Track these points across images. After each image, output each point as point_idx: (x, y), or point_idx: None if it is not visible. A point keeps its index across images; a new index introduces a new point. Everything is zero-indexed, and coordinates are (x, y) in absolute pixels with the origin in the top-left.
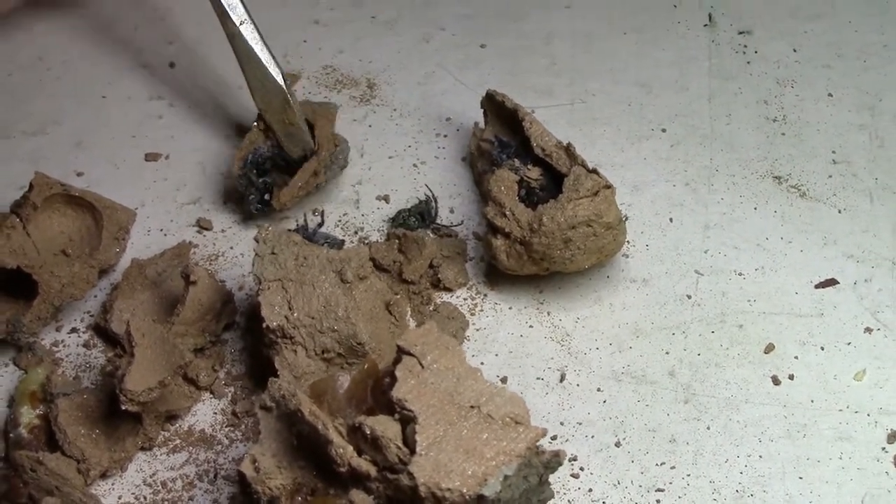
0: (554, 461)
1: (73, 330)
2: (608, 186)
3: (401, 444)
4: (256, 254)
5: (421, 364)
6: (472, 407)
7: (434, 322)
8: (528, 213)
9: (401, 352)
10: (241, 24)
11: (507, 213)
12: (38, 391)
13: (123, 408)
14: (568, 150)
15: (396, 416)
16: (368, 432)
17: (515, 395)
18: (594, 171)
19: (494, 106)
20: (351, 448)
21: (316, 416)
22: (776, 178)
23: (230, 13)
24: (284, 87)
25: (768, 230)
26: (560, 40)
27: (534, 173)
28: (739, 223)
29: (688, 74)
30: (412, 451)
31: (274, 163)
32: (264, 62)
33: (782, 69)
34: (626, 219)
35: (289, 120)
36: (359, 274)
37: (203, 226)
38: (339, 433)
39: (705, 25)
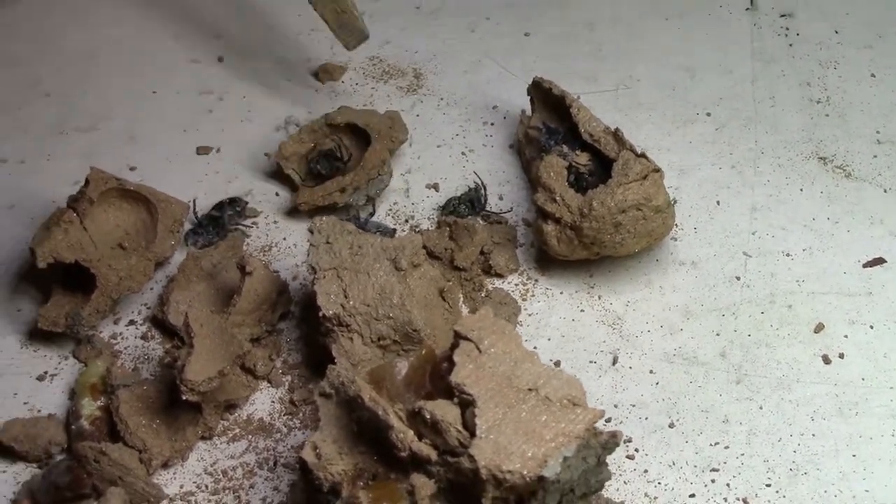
0: (611, 442)
1: (131, 322)
2: (657, 170)
3: (461, 428)
4: (311, 243)
5: (478, 348)
6: (529, 390)
7: (489, 307)
8: (578, 198)
9: (458, 337)
10: None
11: (558, 198)
12: (98, 383)
13: (184, 398)
14: (616, 134)
15: (455, 400)
16: (428, 417)
17: (572, 377)
18: (642, 156)
19: (541, 93)
20: (411, 432)
21: (376, 402)
22: (821, 159)
23: None
24: None
25: (815, 211)
26: (603, 26)
27: (582, 158)
28: (786, 205)
29: (731, 58)
30: (472, 435)
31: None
32: None
33: (824, 51)
34: (675, 202)
35: (340, 7)
36: (412, 261)
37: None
38: (399, 418)
39: (747, 9)
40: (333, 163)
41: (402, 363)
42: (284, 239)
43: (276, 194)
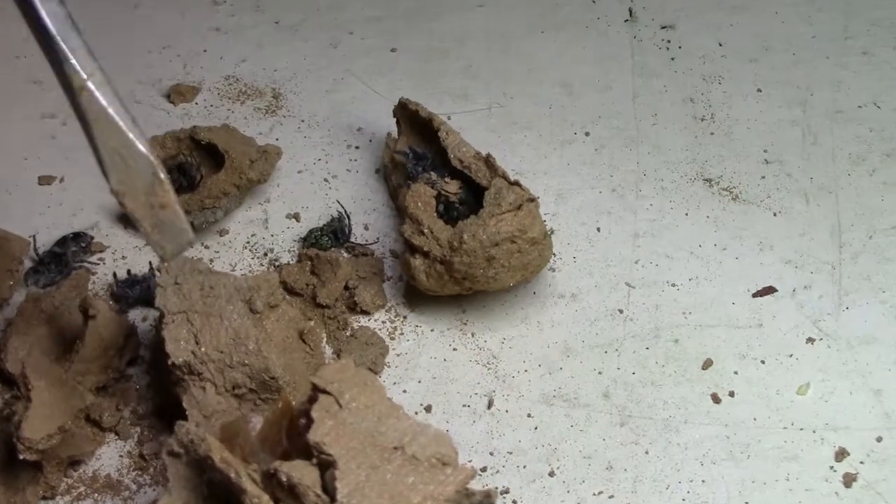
0: (486, 502)
1: None
2: (532, 199)
3: (320, 492)
4: (159, 284)
5: (339, 403)
6: (395, 448)
7: (351, 357)
8: (447, 230)
9: (316, 390)
10: (89, 76)
11: (426, 230)
12: None
13: (21, 457)
14: (488, 161)
15: (314, 460)
16: (285, 479)
17: (441, 432)
18: (516, 184)
19: (408, 114)
20: (267, 497)
21: (228, 463)
22: (707, 180)
23: (74, 62)
24: (153, 158)
25: (701, 237)
26: (475, 41)
27: (452, 187)
28: (670, 230)
29: (610, 73)
30: (332, 499)
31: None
32: (123, 127)
33: (708, 65)
34: (553, 232)
35: (160, 203)
36: (269, 302)
37: (98, 250)
38: (254, 481)
39: (626, 20)
40: (182, 179)
41: (257, 418)
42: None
43: (124, 227)
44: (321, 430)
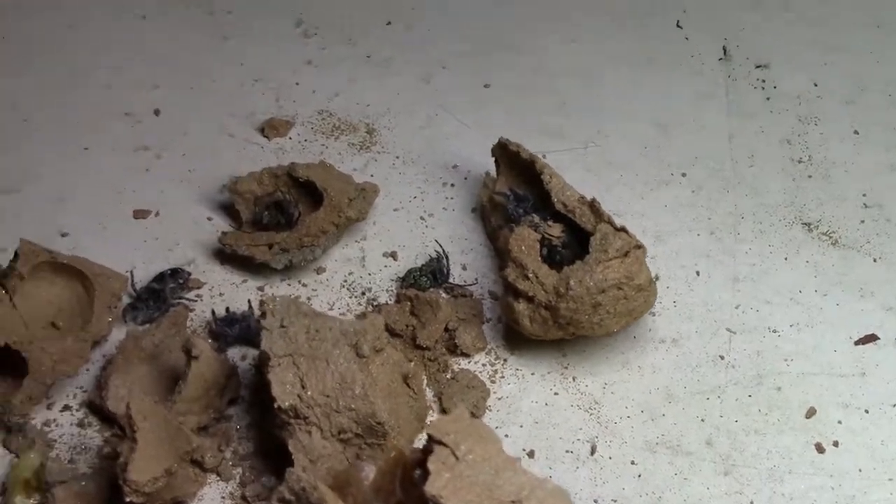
0: None
1: (66, 407)
2: (639, 246)
3: None
4: (265, 327)
5: (455, 455)
6: (513, 502)
7: (464, 406)
8: (552, 275)
9: (432, 441)
10: None
11: (531, 275)
12: (31, 479)
13: (127, 500)
14: (593, 205)
15: None
16: None
17: (559, 487)
18: (622, 230)
19: (508, 155)
20: None
21: None
22: (805, 224)
23: None
24: None
25: (801, 282)
26: (567, 77)
27: (555, 230)
28: (770, 275)
29: (705, 112)
30: None
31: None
32: None
33: (804, 105)
34: (657, 279)
35: None
36: (375, 346)
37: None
38: None
39: (720, 59)
40: (279, 217)
41: (370, 467)
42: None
43: (221, 263)
44: (438, 482)
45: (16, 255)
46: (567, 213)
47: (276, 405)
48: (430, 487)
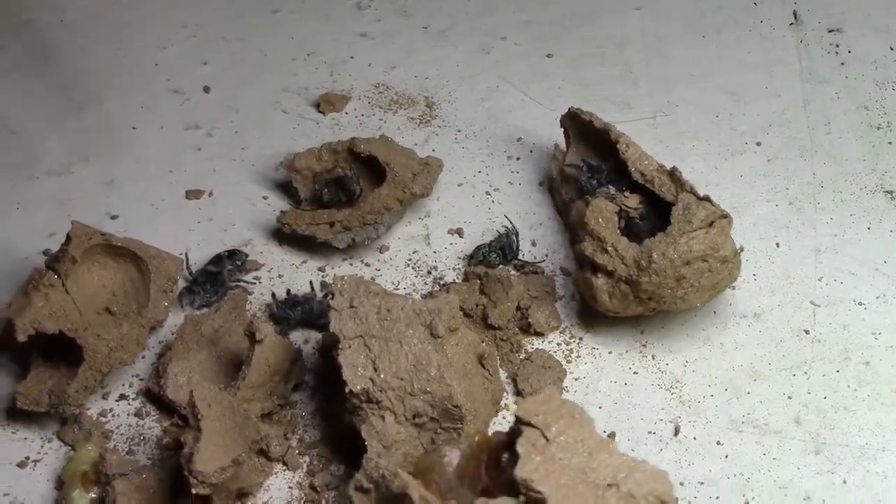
0: None
1: (122, 397)
2: (724, 216)
3: None
4: (333, 308)
5: (545, 437)
6: (609, 485)
7: (554, 387)
8: (633, 248)
9: (520, 423)
10: None
11: (609, 248)
12: (90, 471)
13: (194, 492)
14: (673, 174)
15: (521, 497)
16: None
17: (658, 469)
18: (706, 199)
19: (579, 125)
20: None
21: (427, 501)
22: (888, 192)
23: None
24: None
25: (886, 252)
26: (633, 46)
27: (633, 201)
28: (853, 245)
29: (778, 79)
30: None
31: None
32: None
33: (880, 69)
34: (742, 250)
35: None
36: (450, 326)
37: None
38: None
39: (791, 24)
40: (340, 194)
41: (453, 451)
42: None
43: (279, 243)
44: (529, 465)
45: (67, 237)
46: (645, 182)
47: (347, 389)
48: (521, 471)
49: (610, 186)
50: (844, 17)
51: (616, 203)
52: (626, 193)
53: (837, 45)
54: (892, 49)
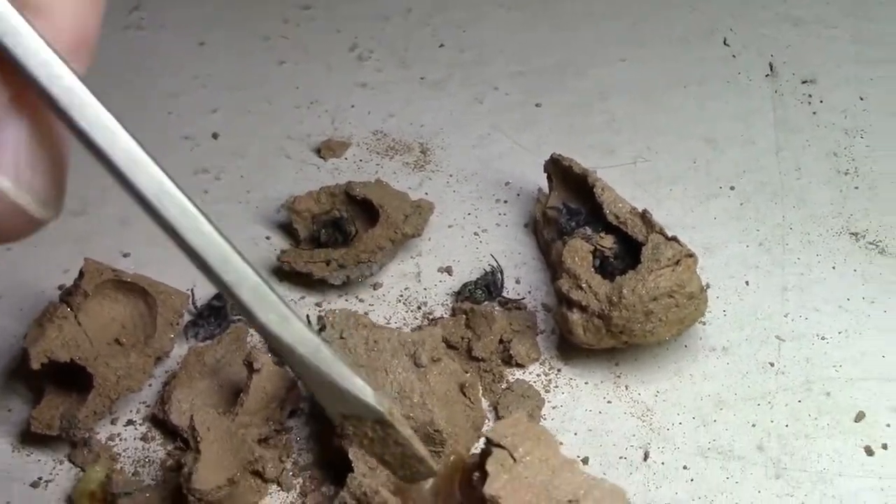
0: None
1: (130, 422)
2: (690, 255)
3: None
4: (324, 339)
5: (513, 457)
6: (570, 502)
7: (523, 411)
8: (605, 285)
9: (490, 444)
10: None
11: (584, 285)
12: (97, 491)
13: None
14: (644, 216)
15: None
16: None
17: (617, 487)
18: (674, 239)
19: (560, 170)
20: None
21: None
22: (853, 234)
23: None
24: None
25: (849, 290)
26: (617, 96)
27: (607, 241)
28: (818, 284)
29: (753, 127)
30: None
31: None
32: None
33: (850, 119)
34: (708, 287)
35: (396, 440)
36: (433, 356)
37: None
38: None
39: (767, 75)
40: (336, 234)
41: None
42: None
43: (280, 280)
44: (496, 483)
45: (80, 273)
46: (619, 224)
47: None
48: (489, 488)
49: (587, 227)
50: (818, 69)
51: (591, 243)
52: (602, 234)
53: (810, 96)
54: (861, 99)
